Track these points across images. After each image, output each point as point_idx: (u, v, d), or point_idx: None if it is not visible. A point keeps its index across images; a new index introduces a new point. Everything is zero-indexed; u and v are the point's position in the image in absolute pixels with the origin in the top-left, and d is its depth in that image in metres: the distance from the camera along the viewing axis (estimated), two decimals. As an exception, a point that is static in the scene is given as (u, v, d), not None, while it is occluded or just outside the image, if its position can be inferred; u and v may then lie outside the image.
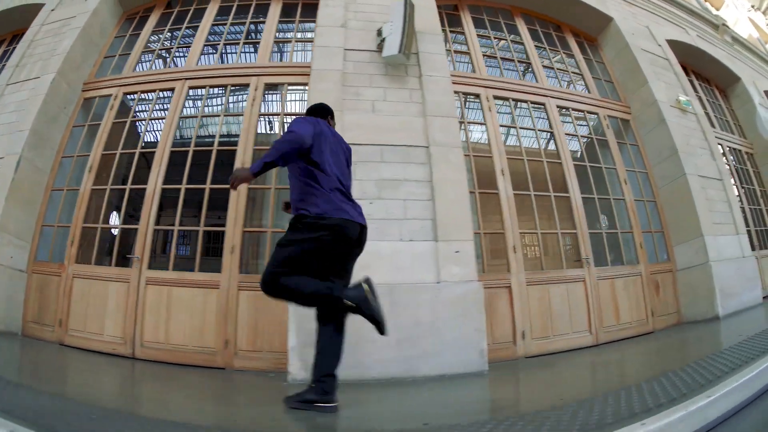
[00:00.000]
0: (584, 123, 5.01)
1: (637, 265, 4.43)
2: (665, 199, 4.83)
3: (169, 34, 4.72)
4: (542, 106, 4.71)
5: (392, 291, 2.85)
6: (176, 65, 4.58)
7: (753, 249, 5.53)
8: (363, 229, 2.09)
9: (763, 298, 5.25)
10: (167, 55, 4.68)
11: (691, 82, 6.55)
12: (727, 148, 6.23)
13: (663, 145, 4.88)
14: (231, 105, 4.45)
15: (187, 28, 4.66)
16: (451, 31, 4.94)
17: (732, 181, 5.92)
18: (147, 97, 4.35)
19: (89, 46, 4.46)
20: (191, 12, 4.72)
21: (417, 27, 3.97)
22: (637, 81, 5.18)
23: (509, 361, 3.36)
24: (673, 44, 6.03)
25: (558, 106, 4.74)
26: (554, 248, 4.40)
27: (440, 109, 3.66)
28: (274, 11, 4.60)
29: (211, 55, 4.59)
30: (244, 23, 4.61)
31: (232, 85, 4.21)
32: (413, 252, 3.13)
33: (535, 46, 5.18)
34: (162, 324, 3.33)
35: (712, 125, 6.01)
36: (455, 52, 4.82)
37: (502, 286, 3.63)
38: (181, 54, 4.65)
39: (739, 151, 6.46)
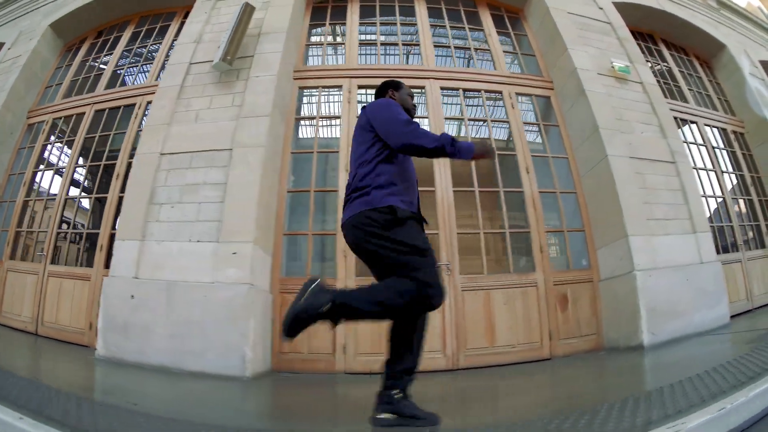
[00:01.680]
0: (499, 104, 4.17)
1: (532, 273, 3.45)
2: (589, 189, 3.81)
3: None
4: (422, 89, 3.95)
5: (171, 288, 2.91)
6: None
7: (726, 251, 4.30)
8: (342, 227, 1.72)
9: (745, 311, 4.02)
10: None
11: (657, 51, 5.43)
12: (705, 127, 4.97)
13: (584, 122, 3.90)
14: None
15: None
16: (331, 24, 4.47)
17: (705, 164, 4.71)
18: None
19: (32, 80, 4.81)
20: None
21: (265, 28, 3.84)
22: (557, 49, 4.25)
23: (317, 374, 3.07)
24: (629, 7, 5.01)
25: (442, 87, 3.96)
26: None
27: (254, 110, 3.47)
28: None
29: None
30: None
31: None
32: (198, 252, 3.04)
33: (432, 25, 4.46)
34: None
35: (670, 96, 4.86)
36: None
37: None
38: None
39: (724, 130, 5.15)
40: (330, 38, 4.41)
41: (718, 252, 4.01)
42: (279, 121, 3.67)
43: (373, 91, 3.99)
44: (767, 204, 5.43)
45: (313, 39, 4.38)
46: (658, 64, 5.32)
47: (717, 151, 4.96)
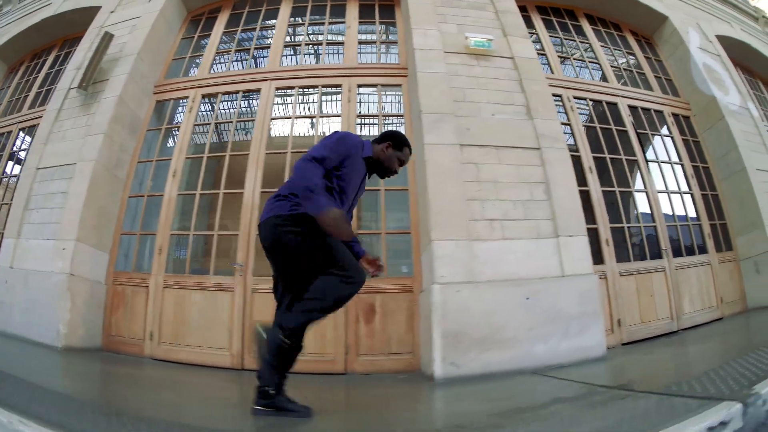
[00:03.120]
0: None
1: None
2: (418, 185, 3.17)
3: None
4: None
5: (28, 275, 3.35)
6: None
7: (643, 258, 3.35)
8: (259, 227, 1.76)
9: (667, 333, 3.34)
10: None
11: (576, 26, 4.55)
12: (628, 108, 3.94)
13: (414, 108, 3.32)
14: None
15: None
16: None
17: (623, 151, 3.71)
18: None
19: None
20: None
21: (123, 51, 3.94)
22: (408, 32, 3.74)
23: (130, 356, 3.24)
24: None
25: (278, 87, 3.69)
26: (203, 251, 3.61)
27: (94, 129, 3.66)
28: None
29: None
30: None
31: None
32: (46, 248, 3.39)
33: (291, 24, 4.26)
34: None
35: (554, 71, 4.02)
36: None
37: (141, 285, 3.41)
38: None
39: (659, 112, 4.04)
40: (200, 50, 4.35)
41: (598, 262, 3.21)
42: (125, 136, 3.74)
43: (225, 97, 3.90)
44: (713, 199, 4.39)
45: (193, 51, 4.33)
46: (573, 40, 4.42)
47: (651, 137, 3.90)
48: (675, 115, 4.60)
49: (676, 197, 4.18)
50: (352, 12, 4.30)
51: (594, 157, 3.80)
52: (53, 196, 3.59)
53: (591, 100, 4.22)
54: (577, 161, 3.63)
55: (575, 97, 4.15)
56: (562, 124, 3.83)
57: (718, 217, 4.37)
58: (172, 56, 4.12)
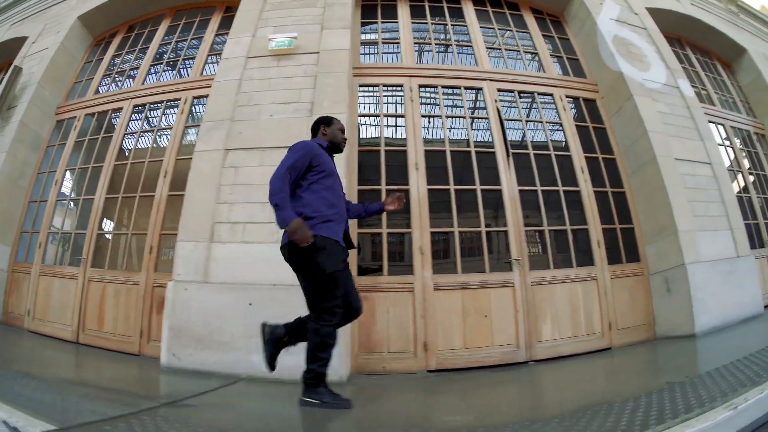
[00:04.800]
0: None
1: (137, 273, 3.43)
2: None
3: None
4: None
5: None
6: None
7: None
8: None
9: (512, 364, 3.14)
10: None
11: (456, 9, 4.22)
12: (497, 93, 3.56)
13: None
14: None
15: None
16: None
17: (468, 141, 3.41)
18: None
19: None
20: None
21: (33, 79, 4.60)
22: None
23: (16, 328, 3.86)
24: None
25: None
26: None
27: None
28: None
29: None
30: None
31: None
32: None
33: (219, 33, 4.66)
34: None
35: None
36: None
37: (27, 273, 4.02)
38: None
39: (549, 95, 3.75)
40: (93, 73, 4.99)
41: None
42: (28, 152, 4.48)
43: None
44: (617, 198, 3.96)
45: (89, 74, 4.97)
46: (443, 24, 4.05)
47: (528, 124, 3.53)
48: (573, 98, 4.13)
49: (554, 195, 3.66)
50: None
51: (452, 152, 3.56)
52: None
53: (445, 86, 3.93)
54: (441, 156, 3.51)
55: (443, 86, 3.92)
56: (427, 116, 3.73)
57: (620, 221, 3.81)
58: (74, 80, 4.85)
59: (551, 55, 4.39)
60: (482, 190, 3.46)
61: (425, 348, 3.01)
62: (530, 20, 4.64)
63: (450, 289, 3.15)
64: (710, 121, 4.79)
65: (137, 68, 4.54)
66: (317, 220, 1.91)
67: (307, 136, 3.09)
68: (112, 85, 4.57)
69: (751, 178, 5.01)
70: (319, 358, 1.88)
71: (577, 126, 4.01)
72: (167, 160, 3.74)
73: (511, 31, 4.52)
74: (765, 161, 5.26)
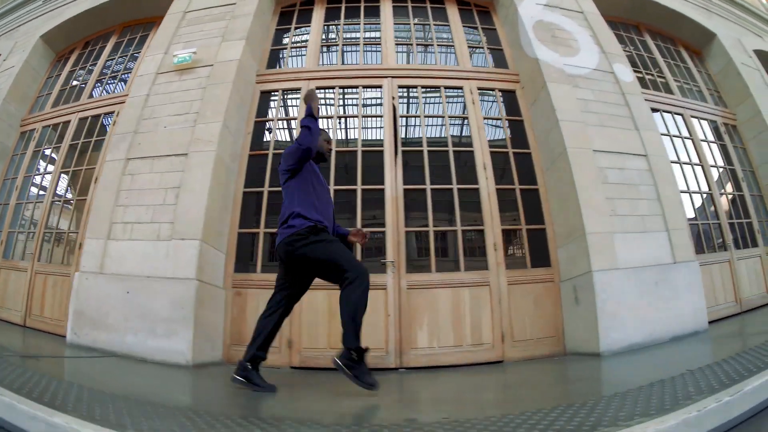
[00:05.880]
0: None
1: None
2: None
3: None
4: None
5: None
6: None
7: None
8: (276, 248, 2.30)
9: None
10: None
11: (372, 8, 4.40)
12: (396, 88, 3.77)
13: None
14: None
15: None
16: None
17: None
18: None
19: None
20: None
21: (3, 94, 5.14)
22: (152, 54, 4.30)
23: None
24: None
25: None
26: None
27: None
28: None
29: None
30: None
31: None
32: None
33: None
34: None
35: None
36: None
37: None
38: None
39: (459, 88, 3.98)
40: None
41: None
42: None
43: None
44: (530, 196, 3.87)
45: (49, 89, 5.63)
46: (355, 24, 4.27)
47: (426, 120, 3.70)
48: (488, 90, 4.17)
49: (445, 194, 3.71)
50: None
51: (338, 152, 3.78)
52: None
53: (344, 86, 4.15)
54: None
55: (341, 87, 4.16)
56: (324, 117, 3.95)
57: (530, 221, 3.66)
58: (37, 94, 5.46)
59: (470, 46, 4.44)
60: (363, 190, 3.68)
61: (289, 345, 3.28)
62: (453, 12, 4.68)
63: (317, 289, 3.36)
64: (666, 111, 4.67)
65: (86, 83, 5.09)
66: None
67: (184, 145, 3.51)
68: (65, 99, 5.14)
69: (715, 173, 4.73)
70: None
71: (490, 119, 4.05)
72: (98, 168, 4.23)
73: (429, 25, 4.64)
74: (734, 155, 4.97)
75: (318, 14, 4.66)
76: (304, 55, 4.45)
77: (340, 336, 2.07)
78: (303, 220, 2.16)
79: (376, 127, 4.11)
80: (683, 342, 3.04)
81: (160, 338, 2.93)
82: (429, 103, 4.23)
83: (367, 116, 4.10)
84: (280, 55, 4.56)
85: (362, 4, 4.73)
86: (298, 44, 4.50)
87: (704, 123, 5.00)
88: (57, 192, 4.50)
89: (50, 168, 4.70)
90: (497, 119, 4.15)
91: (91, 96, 4.91)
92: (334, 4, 4.73)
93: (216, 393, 2.35)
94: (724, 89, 5.39)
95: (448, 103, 4.15)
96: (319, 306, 3.30)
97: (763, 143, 4.98)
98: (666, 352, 2.83)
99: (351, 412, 1.85)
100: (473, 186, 3.73)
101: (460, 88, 4.17)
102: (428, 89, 4.23)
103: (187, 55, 3.89)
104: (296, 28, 4.64)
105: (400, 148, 3.77)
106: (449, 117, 4.11)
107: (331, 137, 2.56)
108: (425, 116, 4.05)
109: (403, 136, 3.96)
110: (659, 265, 3.30)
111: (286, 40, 4.62)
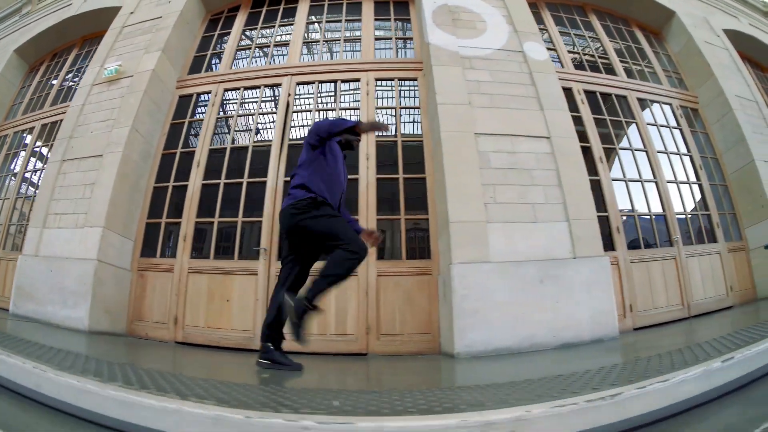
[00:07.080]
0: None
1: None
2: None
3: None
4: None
5: None
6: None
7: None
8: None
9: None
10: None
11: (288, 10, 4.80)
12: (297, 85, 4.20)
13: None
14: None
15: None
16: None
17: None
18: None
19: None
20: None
21: None
22: (93, 66, 4.90)
23: None
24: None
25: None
26: None
27: None
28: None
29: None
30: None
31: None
32: None
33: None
34: None
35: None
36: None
37: None
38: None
39: (356, 80, 4.25)
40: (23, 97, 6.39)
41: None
42: None
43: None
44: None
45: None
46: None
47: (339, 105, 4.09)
48: (387, 80, 4.31)
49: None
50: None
51: (232, 149, 4.23)
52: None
53: (248, 87, 4.60)
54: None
55: (245, 87, 4.58)
56: (224, 118, 4.35)
57: (412, 211, 3.74)
58: (12, 103, 6.22)
59: (375, 39, 4.68)
60: (248, 183, 4.01)
61: (175, 322, 3.71)
62: (367, 6, 4.89)
63: (201, 272, 3.77)
64: (605, 93, 4.48)
65: (49, 92, 5.79)
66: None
67: (102, 147, 4.07)
68: (32, 107, 5.87)
69: (663, 158, 4.41)
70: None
71: (384, 108, 4.21)
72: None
73: (340, 21, 4.93)
74: (692, 140, 4.69)
75: (240, 20, 5.10)
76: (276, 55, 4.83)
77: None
78: (305, 192, 2.25)
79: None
80: (573, 350, 2.61)
81: (69, 308, 3.54)
82: (329, 97, 4.52)
83: (264, 113, 4.50)
84: (206, 62, 5.06)
85: (281, 7, 5.06)
86: (217, 51, 4.99)
87: (655, 106, 4.73)
88: (20, 191, 5.23)
89: (17, 169, 5.43)
90: (391, 108, 4.27)
91: (53, 104, 5.60)
92: (256, 8, 5.16)
93: (94, 350, 2.91)
94: (685, 70, 5.19)
95: (345, 95, 4.41)
96: (201, 287, 3.76)
97: (726, 128, 4.68)
98: (537, 360, 2.44)
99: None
100: (353, 176, 3.63)
101: (358, 80, 4.32)
102: (324, 84, 4.42)
103: (114, 68, 4.46)
104: (220, 35, 5.12)
105: (287, 143, 4.10)
106: (340, 110, 4.29)
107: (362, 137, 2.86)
108: (317, 110, 4.32)
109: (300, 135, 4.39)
110: (550, 260, 3.03)
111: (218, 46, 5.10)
